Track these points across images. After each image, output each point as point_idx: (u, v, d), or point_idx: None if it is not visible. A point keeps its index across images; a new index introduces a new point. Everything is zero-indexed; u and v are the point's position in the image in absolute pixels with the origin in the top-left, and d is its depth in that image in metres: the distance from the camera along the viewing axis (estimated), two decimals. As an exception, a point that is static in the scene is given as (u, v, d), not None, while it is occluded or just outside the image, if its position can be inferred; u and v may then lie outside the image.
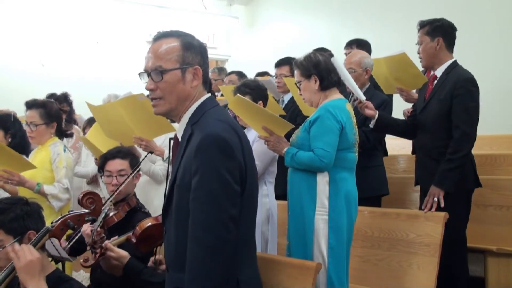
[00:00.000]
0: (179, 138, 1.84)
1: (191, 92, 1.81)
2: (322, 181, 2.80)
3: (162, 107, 1.83)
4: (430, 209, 3.17)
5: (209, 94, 1.87)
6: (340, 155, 2.81)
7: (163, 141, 3.66)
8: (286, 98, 4.41)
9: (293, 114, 4.10)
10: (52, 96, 4.78)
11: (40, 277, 2.06)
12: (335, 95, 2.94)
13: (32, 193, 3.44)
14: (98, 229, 2.49)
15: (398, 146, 5.38)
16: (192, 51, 1.80)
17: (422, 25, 3.38)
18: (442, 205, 3.15)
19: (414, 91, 3.99)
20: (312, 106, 3.01)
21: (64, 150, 3.59)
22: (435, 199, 3.17)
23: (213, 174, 1.65)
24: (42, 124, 3.59)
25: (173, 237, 1.76)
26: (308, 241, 2.77)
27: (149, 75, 1.82)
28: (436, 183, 3.19)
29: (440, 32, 3.31)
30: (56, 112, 3.68)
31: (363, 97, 3.31)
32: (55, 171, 3.54)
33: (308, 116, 3.00)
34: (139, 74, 1.86)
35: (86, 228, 2.61)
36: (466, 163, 3.23)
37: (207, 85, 1.87)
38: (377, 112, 3.37)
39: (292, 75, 4.27)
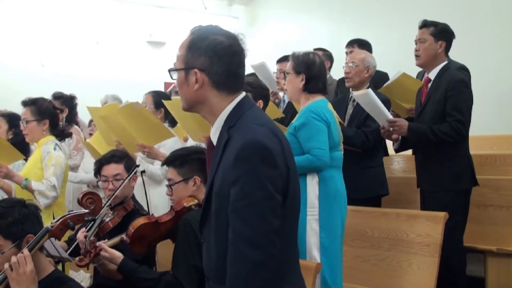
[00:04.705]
0: (214, 142, 1.72)
1: (196, 96, 1.67)
2: (312, 181, 2.82)
3: (182, 104, 1.74)
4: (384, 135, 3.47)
5: (244, 93, 1.73)
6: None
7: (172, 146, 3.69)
8: (286, 97, 4.39)
9: (293, 115, 4.08)
10: (58, 94, 4.79)
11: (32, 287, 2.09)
12: (317, 97, 2.97)
13: (30, 194, 3.44)
14: (92, 238, 2.48)
15: (398, 146, 5.37)
16: (195, 52, 1.65)
17: (427, 25, 3.42)
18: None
19: None
20: (291, 100, 3.11)
21: (55, 149, 3.58)
22: (394, 136, 3.38)
23: (256, 185, 1.53)
24: (33, 121, 3.59)
25: (213, 247, 1.67)
26: (301, 242, 2.74)
27: None
28: (409, 125, 3.32)
29: (444, 36, 3.39)
30: (47, 109, 3.66)
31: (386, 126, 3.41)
32: (44, 169, 3.54)
33: None
34: None
35: (80, 234, 2.58)
36: (435, 139, 3.26)
37: (229, 87, 1.70)
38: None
39: None
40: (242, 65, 1.72)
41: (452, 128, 3.22)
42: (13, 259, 2.11)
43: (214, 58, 1.65)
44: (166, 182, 3.86)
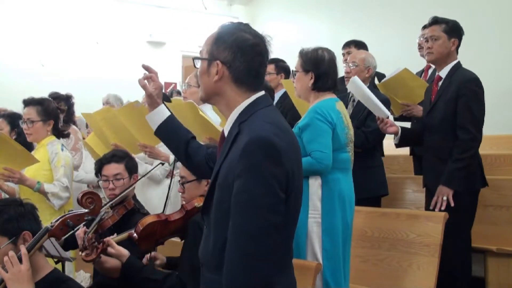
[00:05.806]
0: (225, 134, 1.76)
1: (215, 87, 1.72)
2: (314, 183, 2.77)
3: (200, 93, 1.81)
4: (440, 209, 3.19)
5: (263, 93, 1.76)
6: (332, 156, 2.78)
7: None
8: (276, 97, 4.35)
9: (282, 113, 4.05)
10: (55, 94, 4.79)
11: (29, 285, 2.10)
12: (327, 95, 2.90)
13: (31, 193, 3.43)
14: (90, 235, 2.47)
15: (398, 146, 5.37)
16: (220, 45, 1.70)
17: (439, 21, 3.37)
18: (452, 204, 3.17)
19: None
20: (300, 98, 3.03)
21: (62, 149, 3.59)
22: (444, 198, 3.19)
23: (258, 180, 1.56)
24: (39, 121, 3.59)
25: (212, 235, 1.70)
26: (301, 244, 2.74)
27: None
28: (444, 183, 3.20)
29: (457, 33, 3.35)
30: (53, 110, 3.68)
31: (386, 114, 3.32)
32: (54, 170, 3.54)
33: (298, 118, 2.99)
34: None
35: (80, 231, 2.58)
36: (473, 162, 3.25)
37: (247, 84, 1.72)
38: (400, 128, 3.36)
39: (277, 73, 4.29)
40: (264, 65, 1.76)
41: (465, 141, 3.18)
42: (5, 258, 2.12)
43: (237, 54, 1.69)
44: (166, 182, 3.89)
